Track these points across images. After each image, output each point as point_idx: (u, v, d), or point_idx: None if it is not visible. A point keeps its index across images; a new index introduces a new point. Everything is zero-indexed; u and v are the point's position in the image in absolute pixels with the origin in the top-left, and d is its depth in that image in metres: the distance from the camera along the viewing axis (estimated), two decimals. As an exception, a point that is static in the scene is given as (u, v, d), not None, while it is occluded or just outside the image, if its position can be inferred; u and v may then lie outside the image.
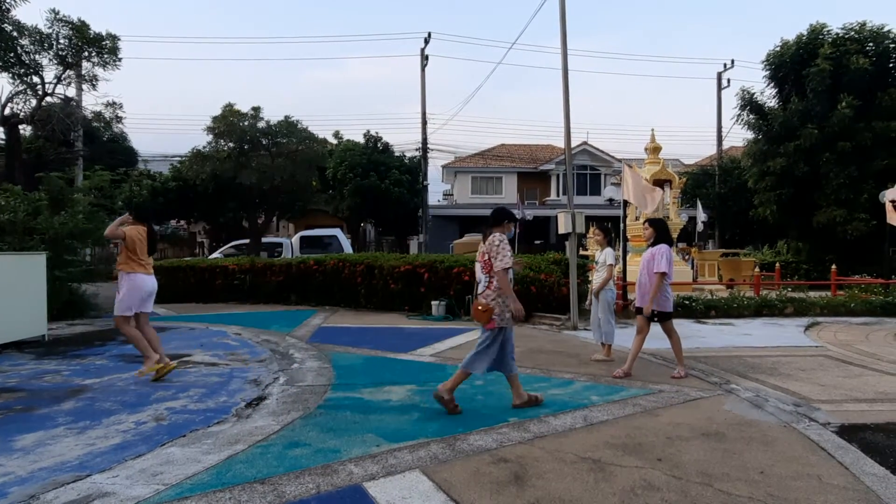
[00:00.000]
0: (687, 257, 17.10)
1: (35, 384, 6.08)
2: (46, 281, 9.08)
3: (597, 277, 7.43)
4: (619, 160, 28.77)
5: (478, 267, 5.10)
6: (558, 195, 34.16)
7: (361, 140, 29.47)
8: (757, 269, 15.27)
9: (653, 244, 6.33)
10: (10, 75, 15.97)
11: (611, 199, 21.24)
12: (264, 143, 22.39)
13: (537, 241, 29.29)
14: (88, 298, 12.28)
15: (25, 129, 18.53)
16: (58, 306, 10.46)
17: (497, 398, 5.43)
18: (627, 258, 12.77)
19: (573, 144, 10.93)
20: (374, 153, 28.30)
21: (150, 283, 6.48)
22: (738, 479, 3.55)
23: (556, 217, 10.61)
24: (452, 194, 39.89)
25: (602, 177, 34.85)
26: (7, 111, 16.50)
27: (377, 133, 29.48)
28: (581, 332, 9.48)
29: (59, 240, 10.86)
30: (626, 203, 12.98)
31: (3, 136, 17.71)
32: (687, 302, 11.44)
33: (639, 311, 6.39)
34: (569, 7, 10.15)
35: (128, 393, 5.68)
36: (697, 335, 9.27)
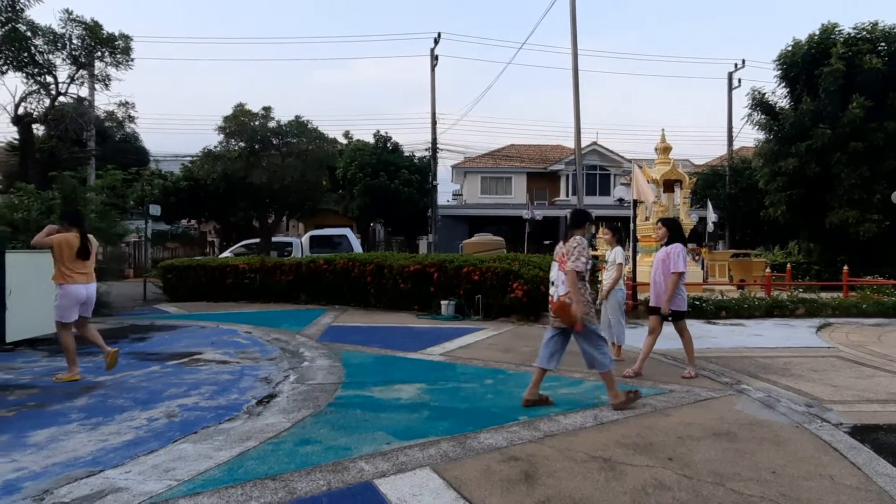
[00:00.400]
0: (697, 258, 17.01)
1: (48, 381, 6.15)
2: (60, 279, 9.16)
3: (606, 277, 7.42)
4: (629, 160, 28.66)
5: (555, 267, 5.10)
6: (568, 195, 34.08)
7: (371, 140, 29.54)
8: (768, 270, 15.17)
9: (666, 243, 6.29)
10: (24, 75, 16.13)
11: (621, 199, 21.14)
12: (275, 142, 22.48)
13: (546, 242, 29.23)
14: (100, 297, 12.36)
15: (39, 129, 18.71)
16: (71, 304, 10.54)
17: (507, 397, 5.43)
18: (637, 258, 12.71)
19: (583, 144, 10.90)
20: (383, 153, 28.36)
21: (83, 291, 6.36)
22: (750, 478, 3.53)
23: (565, 217, 10.59)
24: (462, 194, 39.89)
25: (612, 177, 34.72)
26: (21, 111, 16.66)
27: (387, 133, 29.56)
28: (591, 332, 9.45)
29: (72, 238, 10.95)
30: (636, 203, 12.93)
31: (17, 136, 17.90)
32: (697, 302, 11.38)
33: (652, 310, 6.36)
34: (578, 6, 10.13)
35: (140, 390, 5.73)
36: (708, 335, 9.22)
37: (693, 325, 10.17)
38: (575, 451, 3.97)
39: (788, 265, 18.44)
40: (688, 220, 15.76)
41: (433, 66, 27.60)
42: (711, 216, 20.21)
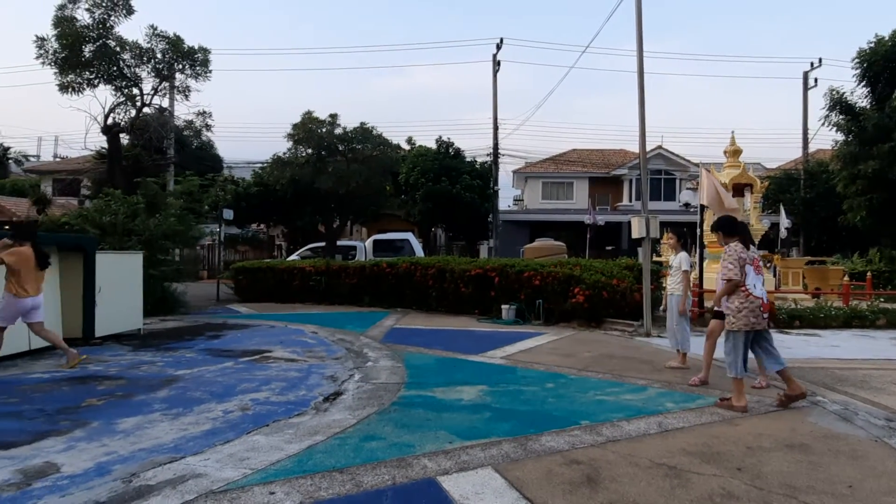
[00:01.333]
0: (769, 265, 16.30)
1: (133, 373, 6.57)
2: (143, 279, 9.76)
3: (670, 282, 7.26)
4: (696, 164, 27.82)
5: (751, 271, 5.28)
6: (631, 200, 33.37)
7: (434, 145, 29.86)
8: (846, 279, 14.38)
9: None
10: (113, 87, 17.36)
11: (687, 204, 20.56)
12: (341, 148, 23.08)
13: (609, 247, 28.72)
14: (178, 296, 13.09)
15: (124, 138, 20.01)
16: (152, 303, 11.20)
17: (568, 401, 5.42)
18: (704, 265, 12.32)
19: (647, 148, 10.70)
20: (445, 158, 28.59)
21: (30, 303, 6.64)
22: (825, 492, 3.40)
23: (628, 223, 10.43)
24: (523, 199, 39.70)
25: (677, 181, 33.76)
26: (109, 121, 17.90)
27: (449, 139, 29.76)
28: (654, 339, 9.27)
29: (153, 240, 11.66)
30: (703, 208, 12.55)
31: (106, 145, 19.19)
32: (769, 311, 10.93)
33: (717, 315, 6.19)
34: (644, 7, 9.97)
35: (215, 384, 6.05)
36: (781, 345, 8.70)
37: (764, 335, 9.78)
38: (638, 458, 3.93)
39: (869, 273, 17.38)
40: (758, 226, 15.14)
41: (495, 72, 27.63)
42: (784, 222, 19.31)
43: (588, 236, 25.25)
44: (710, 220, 15.12)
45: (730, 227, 5.58)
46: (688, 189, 23.08)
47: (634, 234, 10.03)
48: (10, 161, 34.16)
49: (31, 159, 38.24)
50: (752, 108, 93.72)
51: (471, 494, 3.33)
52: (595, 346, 8.49)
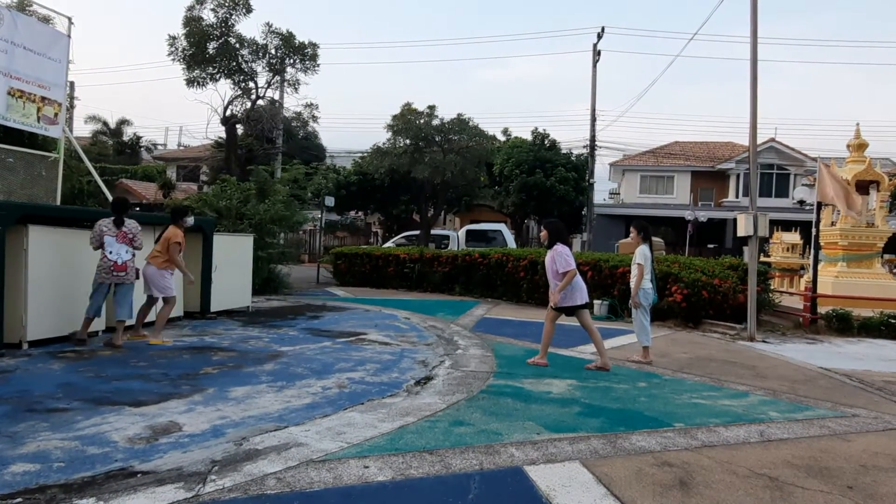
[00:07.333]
0: (895, 270, 14.88)
1: (243, 346, 7.09)
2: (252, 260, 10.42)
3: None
4: (814, 158, 25.72)
5: None
6: (737, 196, 31.47)
7: (529, 137, 29.59)
8: None
9: (549, 246, 6.78)
10: (232, 82, 18.61)
11: (801, 201, 19.12)
12: (437, 139, 23.37)
13: (711, 245, 27.31)
14: (283, 277, 13.87)
15: (240, 128, 21.41)
16: (259, 282, 11.94)
17: (661, 402, 5.27)
18: (819, 267, 11.46)
19: (759, 141, 10.07)
20: (540, 150, 28.27)
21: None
22: (949, 519, 3.13)
23: (733, 220, 9.90)
24: (619, 193, 38.54)
25: (791, 177, 31.47)
26: (227, 113, 19.21)
27: (545, 130, 29.42)
28: (758, 344, 8.77)
29: (262, 224, 12.41)
30: (819, 205, 11.65)
31: (224, 135, 20.62)
32: (894, 321, 10.01)
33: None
34: (763, -8, 9.35)
35: (315, 361, 6.40)
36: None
37: (887, 347, 9.02)
38: (736, 465, 3.77)
39: None
40: (885, 227, 13.85)
41: (595, 62, 26.88)
42: (917, 223, 17.51)
43: (689, 233, 24.17)
44: (829, 218, 14.02)
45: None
46: (803, 185, 21.41)
47: (740, 232, 9.51)
48: (141, 149, 37.45)
49: (159, 147, 41.67)
50: (882, 98, 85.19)
51: (557, 486, 3.34)
52: (692, 348, 8.17)
